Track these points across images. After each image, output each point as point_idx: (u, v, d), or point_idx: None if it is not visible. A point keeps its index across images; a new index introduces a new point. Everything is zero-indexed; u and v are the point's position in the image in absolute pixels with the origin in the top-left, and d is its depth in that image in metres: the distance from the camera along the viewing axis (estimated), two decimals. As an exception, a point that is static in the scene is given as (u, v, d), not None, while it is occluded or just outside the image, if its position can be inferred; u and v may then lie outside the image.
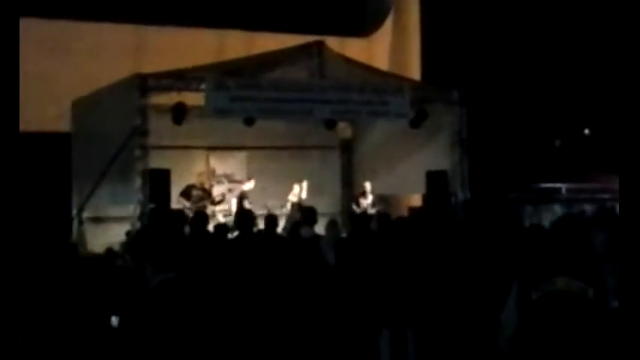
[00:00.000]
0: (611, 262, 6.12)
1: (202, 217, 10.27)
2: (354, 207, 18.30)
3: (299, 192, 17.61)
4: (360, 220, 10.48)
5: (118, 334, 4.57)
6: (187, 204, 16.45)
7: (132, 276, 7.00)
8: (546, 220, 14.89)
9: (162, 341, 4.52)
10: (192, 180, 17.15)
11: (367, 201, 18.20)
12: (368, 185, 18.35)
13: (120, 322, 4.72)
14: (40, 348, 5.34)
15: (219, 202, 17.43)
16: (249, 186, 17.48)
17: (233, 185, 18.45)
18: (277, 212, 16.65)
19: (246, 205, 16.65)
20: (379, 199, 18.36)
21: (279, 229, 12.69)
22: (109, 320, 5.17)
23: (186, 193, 16.67)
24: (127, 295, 5.52)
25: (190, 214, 16.27)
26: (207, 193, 17.14)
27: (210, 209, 17.58)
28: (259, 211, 16.61)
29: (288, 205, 17.49)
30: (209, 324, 4.80)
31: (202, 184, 17.10)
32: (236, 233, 9.27)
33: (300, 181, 17.73)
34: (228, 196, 17.87)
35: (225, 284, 7.53)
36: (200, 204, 16.68)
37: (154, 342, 4.50)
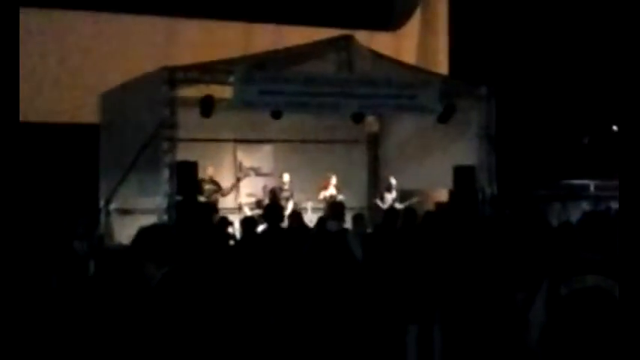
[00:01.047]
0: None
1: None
2: (379, 202, 18.27)
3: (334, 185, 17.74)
4: (388, 215, 10.45)
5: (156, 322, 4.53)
6: (201, 198, 16.45)
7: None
8: (574, 217, 14.81)
9: (184, 329, 4.50)
10: (221, 172, 17.19)
11: (392, 195, 18.17)
12: (393, 180, 18.31)
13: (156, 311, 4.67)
14: (69, 334, 5.38)
15: (229, 193, 17.45)
16: (284, 180, 17.50)
17: (262, 179, 18.49)
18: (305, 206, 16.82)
19: (283, 200, 16.68)
20: (406, 194, 18.31)
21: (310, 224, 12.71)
22: (135, 309, 5.16)
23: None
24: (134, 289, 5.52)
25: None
26: (217, 186, 17.14)
27: (236, 202, 17.66)
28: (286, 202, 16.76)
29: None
30: (240, 315, 4.81)
31: (211, 177, 17.05)
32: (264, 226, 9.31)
33: (330, 175, 17.79)
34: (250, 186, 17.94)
35: (254, 278, 7.54)
36: (212, 197, 16.71)
37: (179, 327, 4.48)
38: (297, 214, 11.00)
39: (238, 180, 17.90)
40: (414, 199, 17.94)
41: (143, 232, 4.70)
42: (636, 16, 5.16)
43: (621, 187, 5.08)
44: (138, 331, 4.59)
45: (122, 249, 11.65)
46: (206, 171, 16.76)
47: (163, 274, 4.62)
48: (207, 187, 16.73)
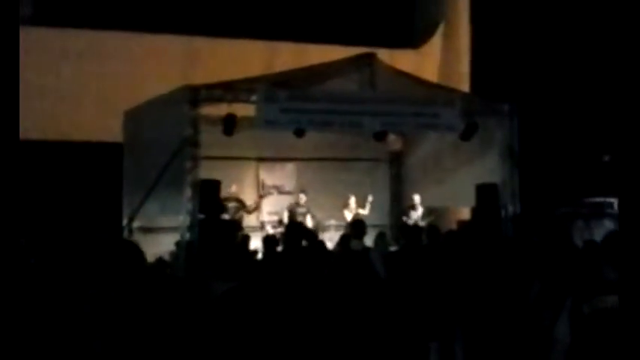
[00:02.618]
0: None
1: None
2: (405, 219, 18.28)
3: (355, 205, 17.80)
4: (412, 232, 10.44)
5: (180, 343, 4.60)
6: (225, 216, 16.53)
7: (184, 285, 7.06)
8: (598, 235, 14.71)
9: (223, 347, 4.55)
10: (244, 190, 17.26)
11: (417, 213, 18.17)
12: (417, 197, 18.32)
13: (183, 330, 4.74)
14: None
15: (255, 210, 17.51)
16: (302, 199, 17.56)
17: (284, 197, 18.55)
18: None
19: (299, 217, 16.73)
20: (429, 212, 18.32)
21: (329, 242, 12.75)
22: (161, 329, 5.20)
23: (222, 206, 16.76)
24: (184, 305, 5.56)
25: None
26: (242, 204, 17.21)
27: (258, 221, 17.71)
28: (309, 223, 16.78)
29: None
30: (267, 332, 4.83)
31: (236, 195, 17.13)
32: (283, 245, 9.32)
33: (349, 196, 17.85)
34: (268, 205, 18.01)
35: (278, 296, 7.55)
36: (237, 215, 16.77)
37: (216, 349, 4.53)
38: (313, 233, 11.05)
39: (261, 197, 17.96)
40: (432, 217, 17.95)
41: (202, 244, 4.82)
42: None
43: (620, 204, 5.05)
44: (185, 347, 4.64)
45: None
46: (230, 189, 16.83)
47: (224, 290, 4.70)
48: (231, 204, 16.81)
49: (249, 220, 17.65)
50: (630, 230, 4.79)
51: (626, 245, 4.83)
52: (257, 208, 17.66)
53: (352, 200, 17.91)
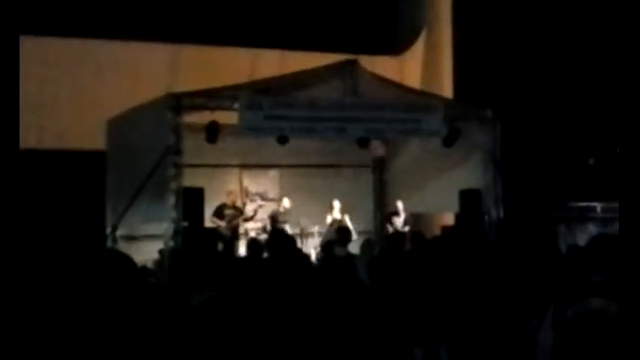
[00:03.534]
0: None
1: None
2: (388, 226, 18.31)
3: (338, 210, 17.82)
4: (394, 239, 10.45)
5: (160, 352, 4.59)
6: (222, 223, 16.57)
7: (166, 294, 7.02)
8: (581, 240, 14.78)
9: (204, 356, 4.54)
10: (225, 198, 17.24)
11: (400, 220, 18.19)
12: (400, 204, 18.34)
13: (159, 341, 4.73)
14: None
15: (252, 218, 17.52)
16: (284, 205, 17.55)
17: (266, 203, 18.53)
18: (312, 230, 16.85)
19: (281, 224, 16.74)
20: (412, 218, 18.34)
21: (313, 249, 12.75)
22: (145, 336, 5.17)
23: (219, 213, 16.79)
24: (165, 314, 5.54)
25: (227, 232, 16.43)
26: (239, 211, 17.23)
27: (242, 227, 17.69)
28: (293, 230, 16.76)
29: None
30: (248, 342, 4.82)
31: (233, 203, 17.17)
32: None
33: (333, 200, 17.86)
34: (260, 212, 17.98)
35: (261, 303, 7.53)
36: (234, 222, 16.78)
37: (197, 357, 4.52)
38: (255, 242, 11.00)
39: (261, 207, 17.97)
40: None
41: (182, 253, 4.82)
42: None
43: (621, 207, 5.09)
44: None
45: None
46: (229, 197, 16.91)
47: (201, 300, 4.69)
48: (228, 212, 16.82)
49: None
50: (629, 232, 4.82)
51: (625, 247, 4.86)
52: (255, 216, 17.65)
53: (336, 204, 17.91)
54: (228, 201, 17.02)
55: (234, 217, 16.94)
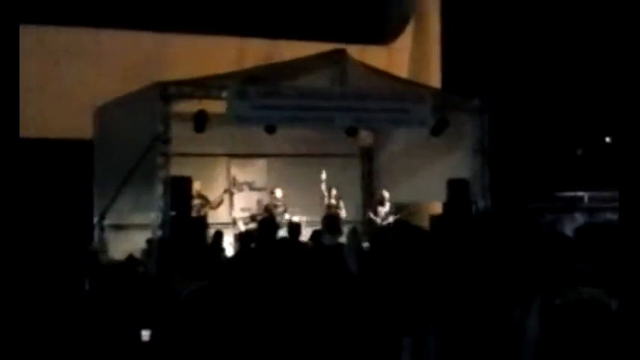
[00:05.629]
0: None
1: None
2: (372, 215, 18.32)
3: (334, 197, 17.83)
4: (380, 229, 10.49)
5: (147, 342, 4.60)
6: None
7: (155, 283, 7.03)
8: (568, 229, 14.80)
9: (192, 347, 4.55)
10: (215, 187, 17.19)
11: (385, 209, 18.20)
12: (386, 193, 18.36)
13: (150, 330, 4.76)
14: (67, 354, 5.37)
15: (219, 205, 17.42)
16: (276, 196, 17.49)
17: (256, 193, 18.52)
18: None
19: (278, 216, 16.66)
20: (399, 207, 18.35)
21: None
22: (134, 326, 5.19)
23: None
24: (155, 303, 5.56)
25: None
26: (205, 200, 17.11)
27: (230, 217, 17.65)
28: (281, 218, 16.74)
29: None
30: (236, 330, 4.84)
31: (199, 192, 17.03)
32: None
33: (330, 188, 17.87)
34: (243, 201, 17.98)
35: (250, 293, 7.54)
36: (202, 211, 16.70)
37: (185, 347, 4.53)
38: (296, 226, 11.04)
39: (226, 192, 17.87)
40: (404, 212, 18.02)
41: (171, 242, 4.85)
42: (632, 32, 5.19)
43: (621, 196, 5.10)
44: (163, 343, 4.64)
45: (117, 264, 11.64)
46: (193, 186, 16.77)
47: (191, 290, 4.70)
48: (195, 202, 16.73)
49: (222, 217, 17.59)
50: (630, 224, 4.84)
51: (625, 239, 4.88)
52: (221, 203, 17.52)
53: (333, 191, 17.91)
54: (194, 191, 16.87)
55: (202, 206, 16.87)
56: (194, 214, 16.23)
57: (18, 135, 4.73)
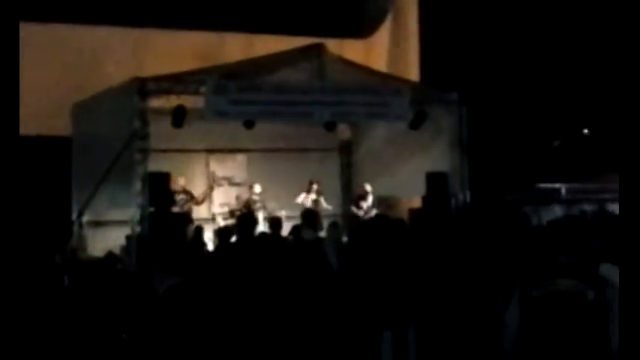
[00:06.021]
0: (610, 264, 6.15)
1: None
2: (354, 209, 18.34)
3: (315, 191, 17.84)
4: (360, 223, 10.50)
5: (127, 339, 4.59)
6: (175, 209, 16.42)
7: (134, 280, 7.00)
8: (546, 221, 14.88)
9: (171, 343, 4.55)
10: (194, 182, 17.15)
11: (367, 203, 18.22)
12: (368, 187, 18.38)
13: (128, 326, 4.75)
14: (45, 352, 5.35)
15: (204, 201, 17.43)
16: (255, 191, 17.47)
17: (235, 188, 18.51)
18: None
19: (256, 211, 16.64)
20: (380, 201, 18.38)
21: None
22: (113, 324, 5.17)
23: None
24: (134, 300, 5.54)
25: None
26: (190, 195, 17.11)
27: (210, 212, 17.62)
28: (261, 214, 16.73)
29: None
30: (216, 326, 4.84)
31: (183, 188, 17.02)
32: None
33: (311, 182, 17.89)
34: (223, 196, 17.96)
35: (230, 288, 7.54)
36: (186, 207, 16.69)
37: (165, 344, 4.53)
38: (277, 221, 11.03)
39: (211, 188, 17.88)
40: (384, 206, 18.07)
41: (150, 238, 4.84)
42: (605, 21, 5.21)
43: (621, 187, 5.12)
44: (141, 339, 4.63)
45: (96, 261, 11.61)
46: (178, 182, 16.74)
47: (170, 285, 4.69)
48: (180, 197, 16.70)
49: (201, 212, 17.56)
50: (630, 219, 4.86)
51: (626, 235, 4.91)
52: (206, 198, 17.54)
53: (314, 186, 17.94)
54: (177, 186, 16.86)
55: (186, 202, 16.85)
56: (178, 209, 16.25)
57: (18, 134, 4.74)
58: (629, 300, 4.75)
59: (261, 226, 14.34)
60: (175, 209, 16.31)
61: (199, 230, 15.05)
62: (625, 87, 5.09)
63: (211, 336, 4.85)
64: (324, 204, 17.85)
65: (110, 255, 11.35)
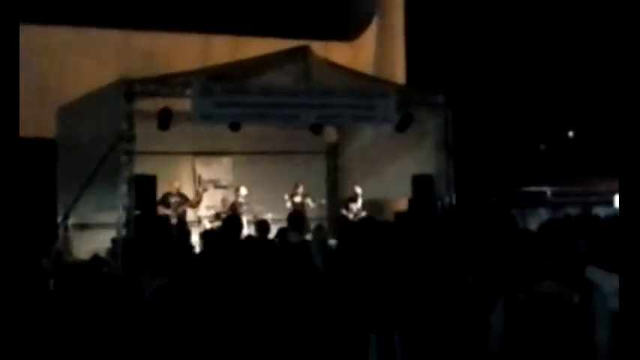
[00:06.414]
0: (596, 267, 6.17)
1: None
2: (344, 211, 18.34)
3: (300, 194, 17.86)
4: (348, 226, 10.50)
5: (116, 341, 4.59)
6: (168, 211, 16.44)
7: (121, 283, 6.99)
8: (532, 224, 14.92)
9: (159, 345, 4.54)
10: (168, 187, 17.13)
11: (357, 205, 18.23)
12: (358, 189, 18.38)
13: (118, 328, 4.74)
14: (32, 357, 5.33)
15: (197, 205, 17.45)
16: (241, 194, 17.46)
17: (221, 191, 18.48)
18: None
19: (242, 213, 16.63)
20: (367, 204, 18.40)
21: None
22: (100, 326, 5.16)
23: (164, 202, 16.65)
24: (121, 302, 5.53)
25: (174, 220, 16.31)
26: (184, 198, 17.13)
27: (196, 214, 17.60)
28: (246, 217, 16.70)
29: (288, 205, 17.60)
30: (203, 328, 4.83)
31: (178, 190, 17.05)
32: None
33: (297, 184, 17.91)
34: (206, 198, 17.94)
35: (217, 290, 7.53)
36: (180, 209, 16.70)
37: (152, 346, 4.52)
38: (264, 224, 11.01)
39: (205, 190, 17.90)
40: (370, 208, 18.12)
41: (137, 240, 4.85)
42: (590, 25, 5.24)
43: (621, 187, 5.14)
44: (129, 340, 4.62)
45: (81, 264, 11.56)
46: (173, 184, 16.79)
47: (156, 287, 4.69)
48: (174, 199, 16.72)
49: (187, 215, 17.54)
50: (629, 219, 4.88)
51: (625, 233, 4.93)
52: (200, 201, 17.58)
53: (300, 188, 17.96)
54: (172, 189, 16.89)
55: (180, 204, 16.86)
56: (172, 212, 16.28)
57: (18, 135, 4.73)
58: (629, 303, 4.78)
59: (247, 229, 14.32)
60: (168, 212, 16.34)
61: (186, 233, 15.04)
62: (621, 89, 5.10)
63: (199, 337, 4.85)
64: (310, 204, 17.86)
65: (96, 258, 11.30)
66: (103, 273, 9.84)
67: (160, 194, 15.99)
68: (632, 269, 4.82)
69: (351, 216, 18.01)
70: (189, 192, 17.83)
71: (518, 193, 22.56)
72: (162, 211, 16.42)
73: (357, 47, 22.83)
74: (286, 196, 17.76)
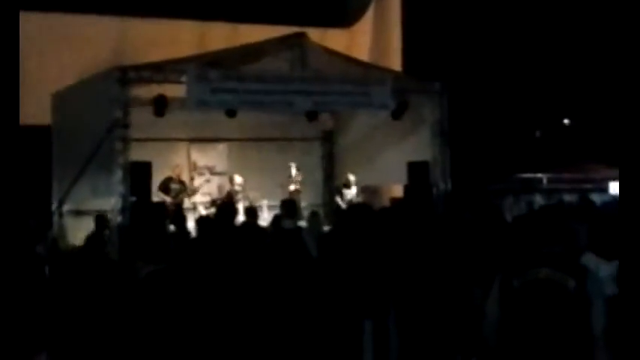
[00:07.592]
0: (592, 254, 6.18)
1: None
2: (338, 199, 18.32)
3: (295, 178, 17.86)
4: (342, 212, 10.49)
5: (111, 325, 4.59)
6: (167, 198, 16.44)
7: (116, 267, 6.98)
8: (527, 211, 14.95)
9: (150, 330, 4.54)
10: (171, 172, 17.13)
11: (351, 192, 18.21)
12: (352, 176, 18.36)
13: (112, 314, 4.75)
14: (27, 343, 5.32)
15: (195, 193, 17.45)
16: (237, 182, 17.43)
17: (212, 177, 18.46)
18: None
19: (238, 201, 16.61)
20: (363, 190, 18.38)
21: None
22: (95, 312, 5.16)
23: (165, 188, 16.65)
24: (115, 286, 5.53)
25: (171, 207, 16.32)
26: (184, 186, 17.13)
27: (191, 201, 17.58)
28: (243, 204, 16.68)
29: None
30: (196, 313, 4.84)
31: (179, 177, 17.06)
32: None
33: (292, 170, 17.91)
34: (205, 186, 17.92)
35: (210, 275, 7.53)
36: (179, 197, 16.70)
37: (144, 330, 4.52)
38: (253, 210, 11.02)
39: (207, 181, 17.90)
40: (365, 195, 18.10)
41: (132, 227, 4.87)
42: (586, 12, 5.23)
43: (621, 182, 5.14)
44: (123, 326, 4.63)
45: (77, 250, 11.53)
46: (174, 170, 16.80)
47: (148, 272, 4.70)
48: (174, 186, 16.72)
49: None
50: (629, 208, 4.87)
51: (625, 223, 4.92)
52: (198, 190, 17.59)
53: (293, 170, 17.94)
54: (174, 175, 16.90)
55: (180, 191, 16.86)
56: (171, 198, 16.28)
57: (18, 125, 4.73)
58: (627, 295, 4.78)
59: (242, 216, 14.32)
60: (168, 198, 16.34)
61: (182, 219, 15.04)
62: (622, 81, 5.09)
63: (191, 320, 4.85)
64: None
65: (93, 237, 11.21)
66: (99, 257, 9.81)
67: (156, 181, 15.97)
68: (631, 257, 4.82)
69: (343, 203, 17.96)
70: (185, 178, 17.81)
71: (514, 180, 22.57)
72: (161, 197, 16.42)
73: (354, 34, 22.78)
74: (284, 182, 17.74)
